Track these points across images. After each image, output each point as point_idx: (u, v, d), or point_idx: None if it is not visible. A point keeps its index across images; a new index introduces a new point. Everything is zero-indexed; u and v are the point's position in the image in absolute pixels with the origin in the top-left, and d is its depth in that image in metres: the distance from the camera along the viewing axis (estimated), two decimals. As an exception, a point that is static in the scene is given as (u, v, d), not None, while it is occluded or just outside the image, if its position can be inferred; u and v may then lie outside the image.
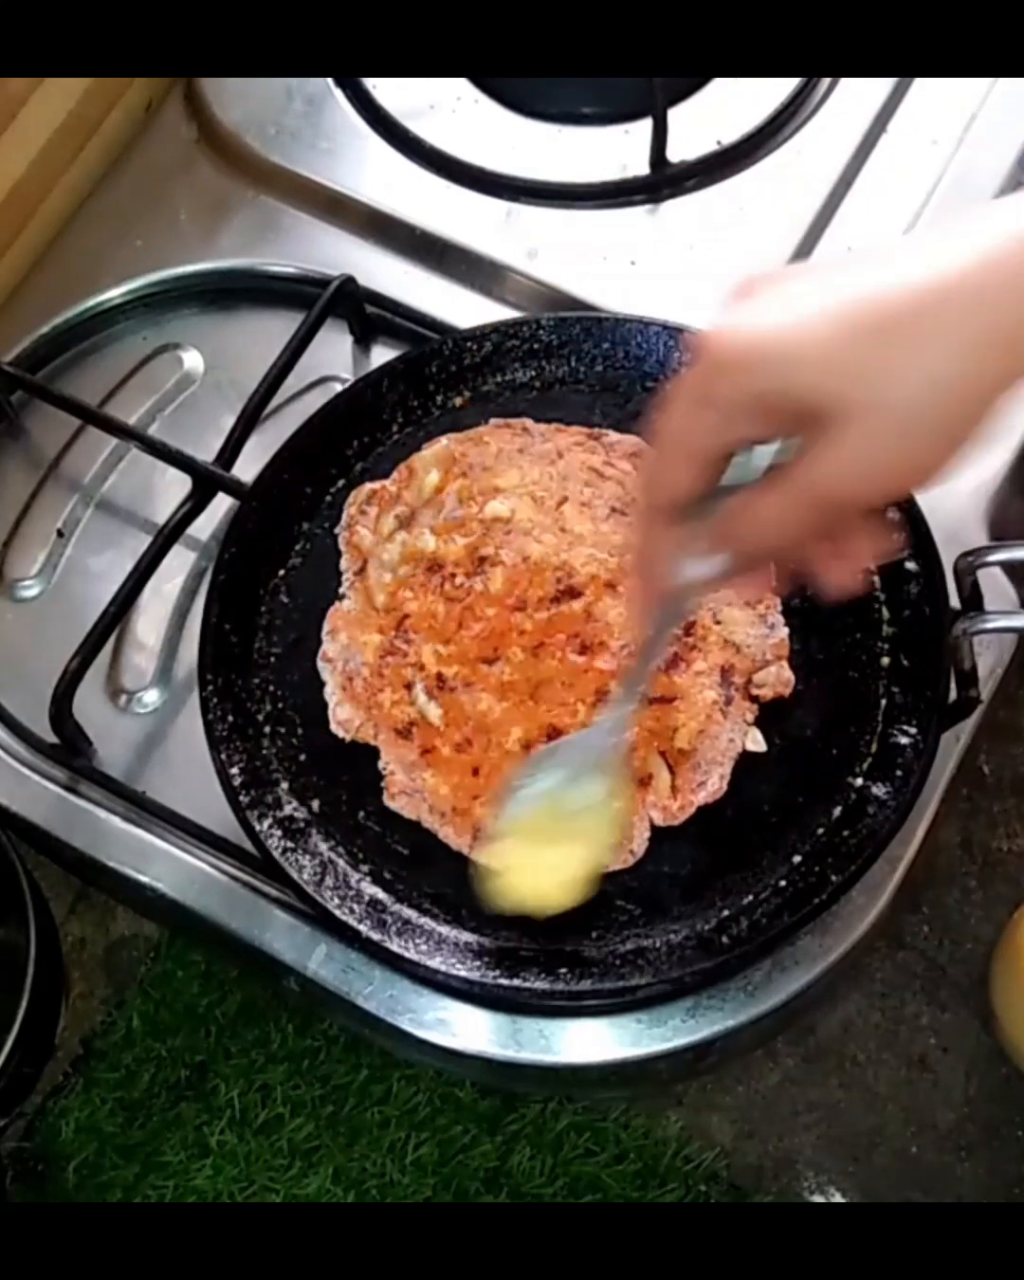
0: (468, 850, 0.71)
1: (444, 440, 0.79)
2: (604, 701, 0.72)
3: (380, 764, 0.73)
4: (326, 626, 0.76)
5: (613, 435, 0.79)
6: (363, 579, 0.77)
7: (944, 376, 0.46)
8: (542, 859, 0.66)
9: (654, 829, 0.71)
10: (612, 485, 0.78)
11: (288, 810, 0.73)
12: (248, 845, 0.73)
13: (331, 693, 0.75)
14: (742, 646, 0.73)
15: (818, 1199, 0.95)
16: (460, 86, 0.94)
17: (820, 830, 0.71)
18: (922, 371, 0.46)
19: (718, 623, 0.74)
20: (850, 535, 0.52)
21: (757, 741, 0.72)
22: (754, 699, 0.73)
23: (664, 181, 0.90)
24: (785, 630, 0.74)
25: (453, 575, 0.76)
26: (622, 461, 0.78)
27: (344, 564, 0.78)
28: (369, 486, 0.79)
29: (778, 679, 0.73)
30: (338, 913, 0.70)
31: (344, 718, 0.74)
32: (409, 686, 0.74)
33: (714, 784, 0.71)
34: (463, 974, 0.69)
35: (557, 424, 0.80)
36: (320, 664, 0.76)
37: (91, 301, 0.90)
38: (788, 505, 0.49)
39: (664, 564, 0.55)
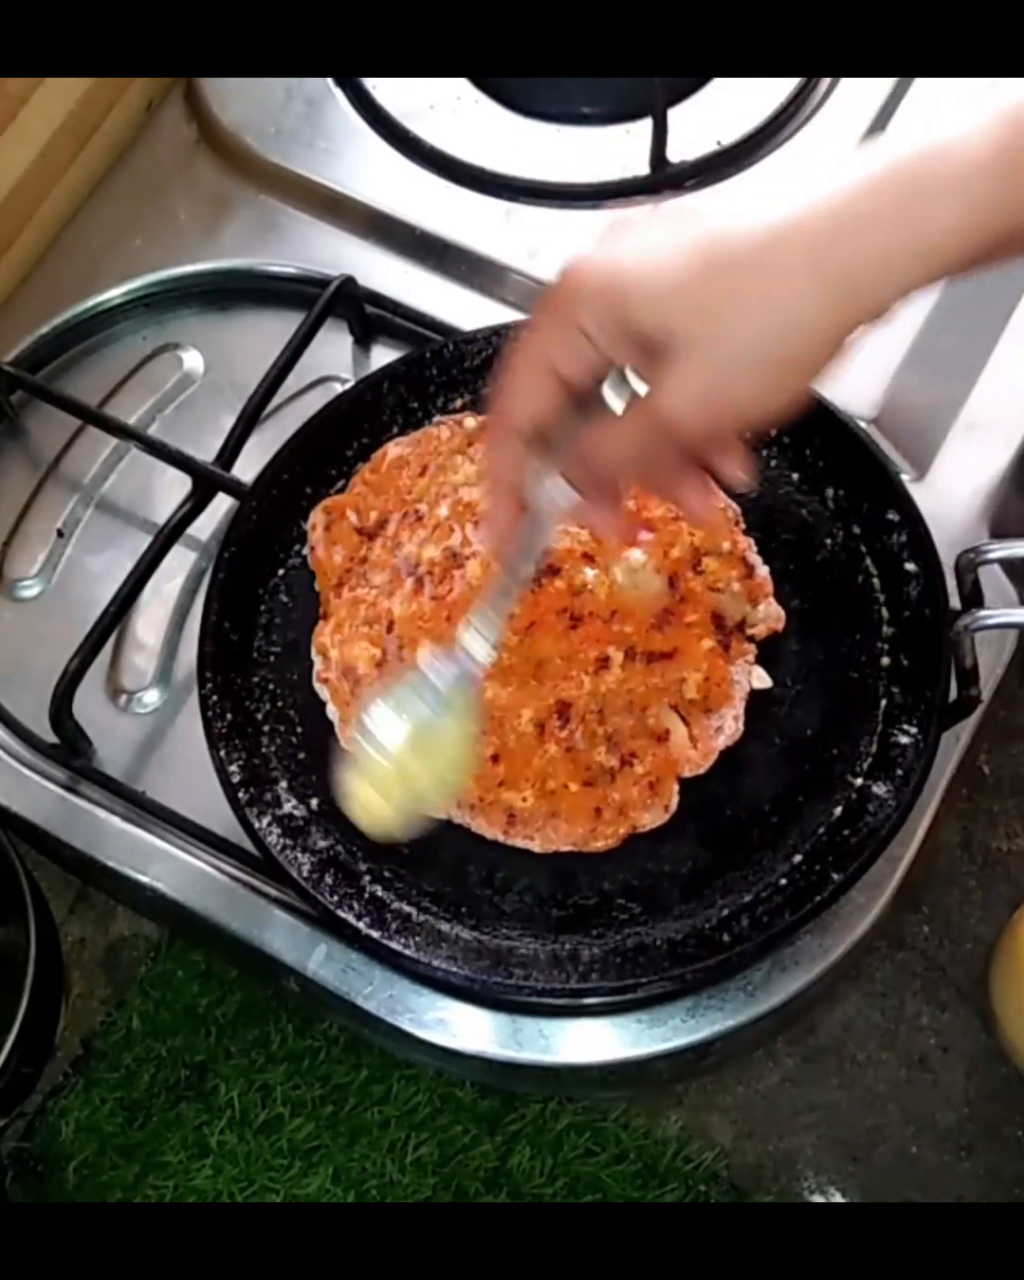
0: (503, 838, 0.71)
1: (393, 444, 0.80)
2: (606, 668, 0.72)
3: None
4: (314, 649, 0.76)
5: None
6: (341, 594, 0.77)
7: (784, 318, 0.48)
8: (391, 783, 0.63)
9: (655, 828, 0.71)
10: None
11: (287, 809, 0.73)
12: (248, 845, 0.73)
13: (334, 711, 0.75)
14: (727, 591, 0.74)
15: (818, 1199, 0.95)
16: (460, 86, 0.94)
17: (821, 829, 0.71)
18: (761, 311, 0.48)
19: (699, 573, 0.74)
20: (708, 462, 0.54)
21: (762, 679, 0.73)
22: (750, 639, 0.74)
23: (664, 181, 0.90)
24: (766, 569, 0.75)
25: (432, 575, 0.76)
26: None
27: (318, 583, 0.78)
28: (323, 502, 0.79)
29: (769, 615, 0.74)
30: (338, 911, 0.70)
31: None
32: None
33: (731, 727, 0.72)
34: (463, 973, 0.69)
35: None
36: (317, 685, 0.75)
37: (91, 301, 0.90)
38: (636, 431, 0.52)
39: (518, 485, 0.56)
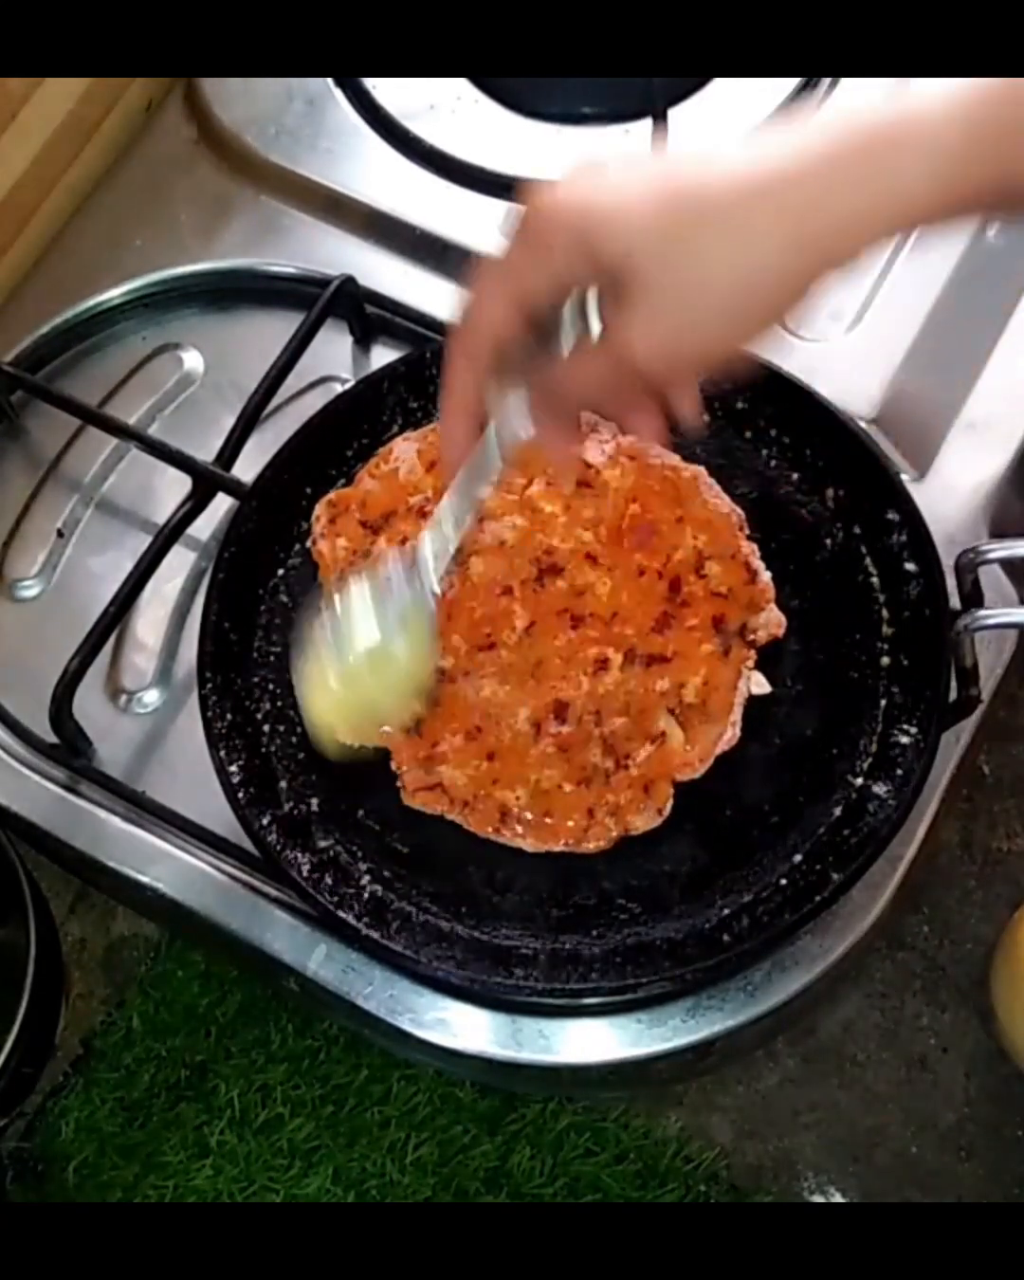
0: (493, 835, 0.71)
1: (400, 440, 0.80)
2: (604, 670, 0.72)
3: (393, 765, 0.73)
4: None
5: None
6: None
7: (747, 266, 0.49)
8: (341, 693, 0.64)
9: (655, 827, 0.71)
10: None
11: (287, 809, 0.73)
12: (248, 845, 0.73)
13: None
14: (728, 596, 0.74)
15: (818, 1199, 0.95)
16: (460, 86, 0.94)
17: (821, 829, 0.71)
18: (725, 258, 0.49)
19: (702, 577, 0.74)
20: (666, 396, 0.55)
21: (762, 684, 0.73)
22: (751, 644, 0.74)
23: (664, 181, 0.90)
24: (768, 575, 0.75)
25: None
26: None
27: (321, 575, 0.78)
28: (328, 496, 0.79)
29: (770, 621, 0.74)
30: (338, 911, 0.70)
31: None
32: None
33: (729, 732, 0.72)
34: (463, 973, 0.69)
35: None
36: None
37: (91, 301, 0.90)
38: (597, 366, 0.52)
39: (475, 408, 0.56)
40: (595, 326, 0.52)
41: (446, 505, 0.61)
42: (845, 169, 0.48)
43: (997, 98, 0.48)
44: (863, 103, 0.49)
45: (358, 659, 0.63)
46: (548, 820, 0.71)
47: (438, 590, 0.62)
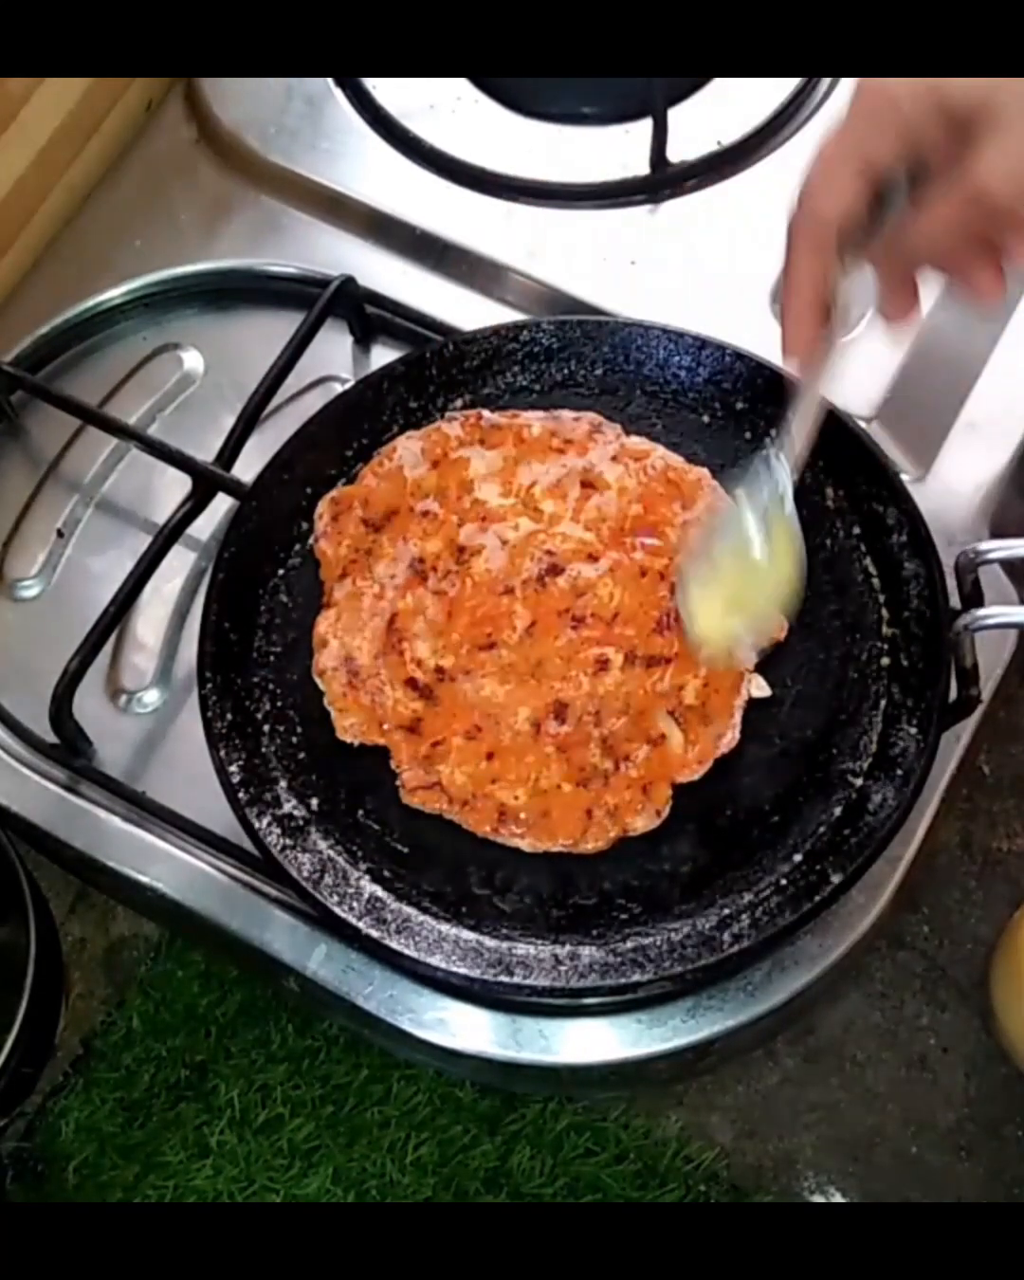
0: (491, 834, 0.72)
1: (403, 439, 0.80)
2: (605, 670, 0.73)
3: (393, 764, 0.73)
4: (316, 638, 0.76)
5: (567, 414, 0.79)
6: (344, 585, 0.77)
7: None
8: (727, 602, 0.68)
9: (656, 826, 0.71)
10: (573, 457, 0.78)
11: (287, 809, 0.73)
12: (248, 845, 0.73)
13: (332, 702, 0.75)
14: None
15: (818, 1199, 0.95)
16: (460, 86, 0.94)
17: (821, 829, 0.71)
18: None
19: None
20: (1003, 241, 0.56)
21: (761, 687, 0.73)
22: (751, 647, 0.74)
23: (664, 181, 0.90)
24: None
25: (436, 569, 0.76)
26: (572, 427, 0.79)
27: (323, 572, 0.78)
28: (331, 494, 0.79)
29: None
30: (338, 911, 0.70)
31: (349, 724, 0.74)
32: (410, 682, 0.74)
33: (728, 735, 0.72)
34: (463, 972, 0.69)
35: (511, 411, 0.80)
36: (316, 677, 0.75)
37: (91, 301, 0.90)
38: (950, 208, 0.53)
39: (824, 295, 0.57)
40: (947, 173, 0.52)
41: (798, 399, 0.62)
42: None
43: None
44: None
45: (741, 562, 0.67)
46: (546, 820, 0.71)
47: (790, 469, 0.64)
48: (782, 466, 0.65)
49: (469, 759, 0.72)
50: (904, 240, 0.55)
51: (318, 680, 0.75)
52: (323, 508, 0.79)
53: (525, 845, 0.71)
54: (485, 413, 0.80)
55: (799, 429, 0.63)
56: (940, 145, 0.53)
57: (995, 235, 0.55)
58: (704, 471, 0.77)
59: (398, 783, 0.73)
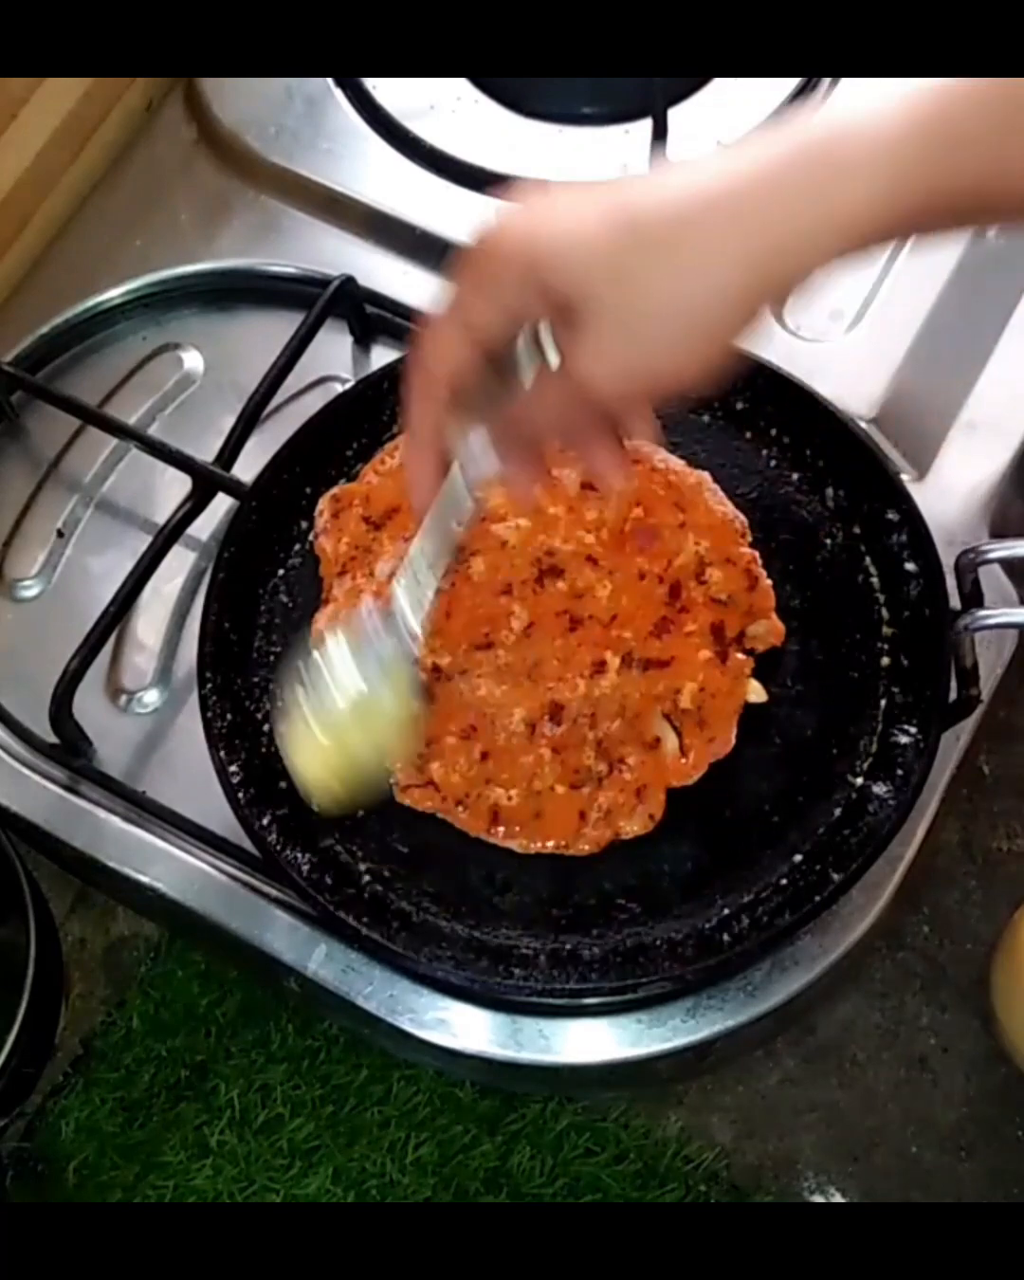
0: (486, 835, 0.71)
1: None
2: (602, 673, 0.72)
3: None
4: (314, 634, 0.76)
5: None
6: (343, 582, 0.77)
7: (698, 285, 0.49)
8: (328, 748, 0.63)
9: (657, 825, 0.71)
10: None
11: (287, 809, 0.73)
12: (248, 845, 0.73)
13: None
14: (728, 603, 0.74)
15: (818, 1199, 0.95)
16: (460, 86, 0.94)
17: (821, 829, 0.71)
18: (675, 278, 0.48)
19: (703, 582, 0.74)
20: (621, 425, 0.55)
21: (758, 692, 0.73)
22: (749, 652, 0.73)
23: (664, 181, 0.90)
24: (768, 581, 0.75)
25: None
26: None
27: (323, 569, 0.78)
28: (332, 491, 0.79)
29: (769, 630, 0.74)
30: (338, 911, 0.70)
31: None
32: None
33: (723, 739, 0.72)
34: (463, 973, 0.69)
35: None
36: None
37: (91, 301, 0.90)
38: (555, 395, 0.52)
39: (439, 444, 0.56)
40: (553, 358, 0.51)
41: (419, 548, 0.60)
42: (790, 185, 0.48)
43: (941, 106, 0.47)
44: (808, 118, 0.49)
45: (342, 712, 0.62)
46: (539, 822, 0.71)
47: (418, 634, 0.61)
48: (405, 606, 0.61)
49: (463, 759, 0.72)
50: (515, 415, 0.54)
51: None
52: (323, 505, 0.79)
53: (517, 846, 0.71)
54: None
55: (423, 572, 0.59)
56: (553, 321, 0.51)
57: (612, 417, 0.54)
58: (705, 475, 0.77)
59: (392, 782, 0.73)
